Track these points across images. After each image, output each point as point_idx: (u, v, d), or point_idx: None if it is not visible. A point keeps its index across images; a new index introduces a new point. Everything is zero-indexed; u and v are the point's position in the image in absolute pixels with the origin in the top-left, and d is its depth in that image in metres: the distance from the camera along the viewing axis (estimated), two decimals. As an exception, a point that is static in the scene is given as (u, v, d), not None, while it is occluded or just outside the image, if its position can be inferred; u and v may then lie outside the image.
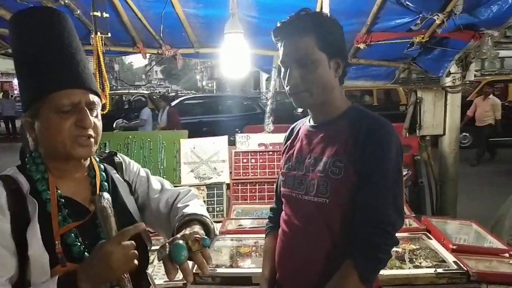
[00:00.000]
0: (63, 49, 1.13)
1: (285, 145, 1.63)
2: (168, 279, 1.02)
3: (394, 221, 1.30)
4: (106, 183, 1.27)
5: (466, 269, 1.99)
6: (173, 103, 10.45)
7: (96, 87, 1.19)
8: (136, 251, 1.02)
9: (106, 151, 1.43)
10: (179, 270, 1.02)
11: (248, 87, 25.15)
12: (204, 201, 2.95)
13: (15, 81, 22.33)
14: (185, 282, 1.95)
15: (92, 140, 1.15)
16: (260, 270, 2.06)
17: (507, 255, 2.17)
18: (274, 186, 2.96)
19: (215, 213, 2.95)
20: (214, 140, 3.21)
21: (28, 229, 1.05)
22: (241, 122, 10.61)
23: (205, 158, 3.15)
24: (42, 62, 1.11)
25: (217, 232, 1.31)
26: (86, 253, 1.12)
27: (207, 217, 1.24)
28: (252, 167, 3.14)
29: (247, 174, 3.13)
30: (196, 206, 1.31)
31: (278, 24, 1.41)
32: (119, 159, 1.40)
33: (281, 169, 1.63)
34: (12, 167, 1.19)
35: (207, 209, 1.46)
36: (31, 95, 1.12)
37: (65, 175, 1.19)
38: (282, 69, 1.43)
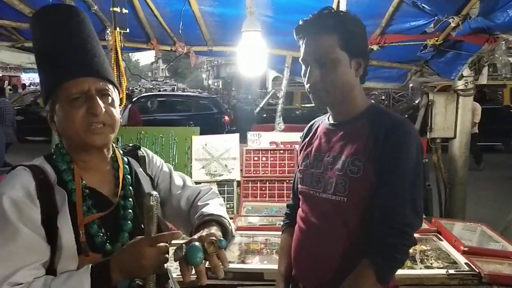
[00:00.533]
0: (72, 40, 1.16)
1: (303, 143, 1.63)
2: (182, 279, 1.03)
3: (412, 222, 1.30)
4: (129, 176, 1.29)
5: (478, 271, 2.00)
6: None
7: (108, 75, 1.21)
8: (167, 256, 1.04)
9: (130, 144, 1.46)
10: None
11: (255, 87, 25.12)
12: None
13: (23, 76, 22.48)
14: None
15: (107, 127, 1.17)
16: (272, 267, 2.09)
17: (518, 258, 2.17)
18: (286, 184, 3.04)
19: (225, 209, 2.97)
20: (226, 138, 3.23)
21: (58, 218, 1.08)
22: (196, 121, 10.56)
23: (217, 155, 3.17)
24: (53, 55, 1.15)
25: (235, 233, 1.32)
26: (108, 244, 1.15)
27: (225, 218, 1.25)
28: (263, 165, 3.15)
29: (258, 172, 3.14)
30: (216, 205, 1.33)
31: (300, 22, 1.42)
32: (143, 153, 1.42)
33: (298, 166, 1.64)
34: (40, 157, 1.22)
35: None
36: (47, 88, 1.16)
37: (89, 166, 1.21)
38: (303, 67, 1.44)
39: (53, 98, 1.15)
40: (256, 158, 3.17)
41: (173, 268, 2.01)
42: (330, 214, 1.41)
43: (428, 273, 2.03)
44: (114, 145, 1.29)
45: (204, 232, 1.09)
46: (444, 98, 3.48)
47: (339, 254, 1.39)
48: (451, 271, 2.01)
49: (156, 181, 1.41)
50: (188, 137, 3.21)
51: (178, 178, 1.46)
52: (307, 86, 1.43)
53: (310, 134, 1.61)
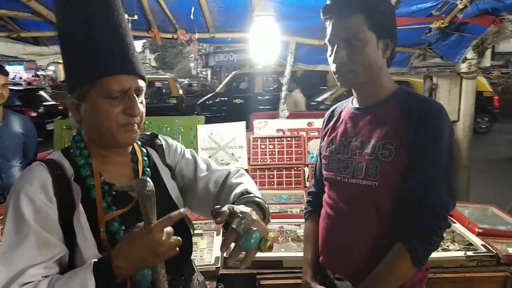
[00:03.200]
0: (114, 30, 1.09)
1: (326, 128, 1.60)
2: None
3: (447, 204, 1.29)
4: (148, 169, 1.25)
5: (495, 252, 2.01)
6: None
7: (144, 72, 1.16)
8: (179, 238, 1.01)
9: (148, 133, 1.41)
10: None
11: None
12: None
13: (7, 68, 21.96)
14: (218, 266, 1.97)
15: (137, 126, 1.13)
16: (290, 254, 2.08)
17: (532, 238, 2.19)
18: (293, 171, 3.02)
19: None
20: (232, 126, 3.19)
21: (74, 215, 1.04)
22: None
23: (223, 144, 3.13)
24: (92, 44, 1.06)
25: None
26: None
27: (263, 200, 1.20)
28: (270, 153, 3.13)
29: (265, 160, 3.12)
30: (252, 186, 1.29)
31: (328, 2, 1.39)
32: (160, 141, 1.37)
33: (321, 153, 1.62)
34: (57, 151, 1.19)
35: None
36: (80, 78, 1.09)
37: (108, 160, 1.18)
38: (329, 47, 1.41)
39: (86, 89, 1.08)
40: (263, 146, 3.14)
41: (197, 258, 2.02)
42: (361, 199, 1.39)
43: (447, 255, 2.03)
44: None
45: (264, 224, 1.07)
46: (448, 81, 3.48)
47: (371, 240, 1.38)
48: (469, 253, 2.02)
49: (177, 170, 1.37)
50: (193, 126, 3.17)
51: (203, 162, 1.42)
52: (333, 66, 1.40)
53: (334, 119, 1.58)
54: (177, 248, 1.01)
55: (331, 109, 1.65)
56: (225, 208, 1.04)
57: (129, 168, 1.22)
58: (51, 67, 23.97)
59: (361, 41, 1.32)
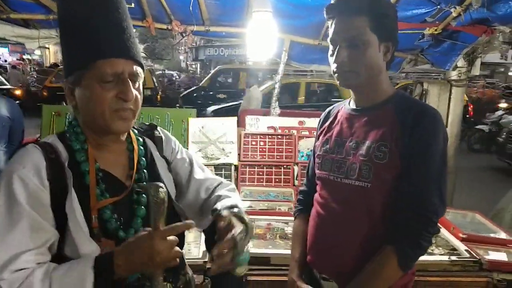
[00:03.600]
0: (110, 15, 1.09)
1: (322, 128, 1.61)
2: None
3: (437, 209, 1.31)
4: (144, 159, 1.24)
5: (478, 257, 2.05)
6: None
7: (140, 58, 1.15)
8: (180, 249, 1.02)
9: (147, 123, 1.39)
10: None
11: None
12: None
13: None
14: (205, 261, 1.97)
15: (132, 113, 1.12)
16: (278, 251, 2.09)
17: (514, 245, 2.25)
18: (283, 169, 3.03)
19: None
20: (223, 121, 3.17)
21: (67, 201, 1.03)
22: None
23: (214, 138, 3.11)
24: (86, 27, 1.06)
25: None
26: (121, 229, 1.10)
27: (251, 221, 1.19)
28: (260, 149, 3.12)
29: (255, 157, 3.11)
30: (240, 203, 1.28)
31: (332, 1, 1.39)
32: (159, 133, 1.37)
33: (315, 152, 1.62)
34: (52, 134, 1.17)
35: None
36: (74, 61, 1.08)
37: (103, 147, 1.16)
38: (331, 47, 1.41)
39: (80, 73, 1.07)
40: (254, 143, 3.13)
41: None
42: (353, 199, 1.40)
43: (432, 259, 2.07)
44: None
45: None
46: (438, 88, 3.53)
47: (361, 241, 1.39)
48: (453, 258, 2.06)
49: (172, 165, 1.36)
50: (185, 119, 3.14)
51: (197, 167, 1.41)
52: (333, 66, 1.40)
53: (330, 119, 1.59)
54: (178, 260, 1.01)
55: (327, 109, 1.66)
56: (226, 214, 1.04)
57: (125, 156, 1.21)
58: (38, 52, 23.48)
59: (363, 42, 1.33)
